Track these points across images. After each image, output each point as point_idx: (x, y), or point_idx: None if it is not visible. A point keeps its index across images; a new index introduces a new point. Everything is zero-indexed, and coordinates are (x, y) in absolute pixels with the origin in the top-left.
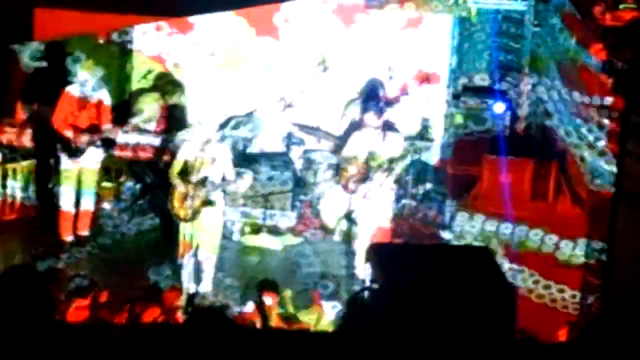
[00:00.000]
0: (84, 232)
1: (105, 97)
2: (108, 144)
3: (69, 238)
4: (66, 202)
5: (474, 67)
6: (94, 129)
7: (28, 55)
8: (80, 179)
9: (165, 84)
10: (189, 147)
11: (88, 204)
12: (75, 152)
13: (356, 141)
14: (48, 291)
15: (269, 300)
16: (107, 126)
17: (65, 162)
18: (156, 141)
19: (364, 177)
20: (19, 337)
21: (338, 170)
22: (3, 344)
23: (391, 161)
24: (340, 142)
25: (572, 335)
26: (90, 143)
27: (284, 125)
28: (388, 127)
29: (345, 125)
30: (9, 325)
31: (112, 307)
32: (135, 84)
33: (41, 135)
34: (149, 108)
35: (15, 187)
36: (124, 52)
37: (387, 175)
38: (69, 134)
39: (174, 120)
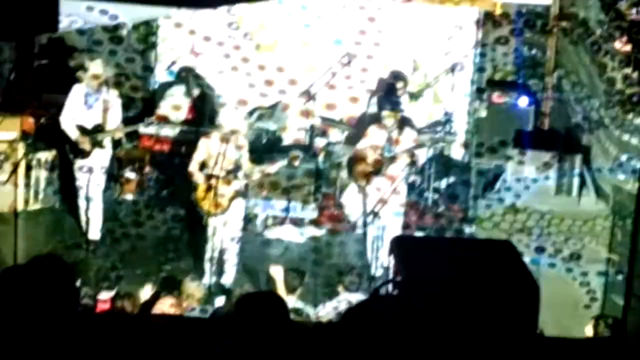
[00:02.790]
0: (97, 232)
1: (113, 97)
2: (132, 136)
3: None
4: (81, 199)
5: (498, 61)
6: (99, 130)
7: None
8: (90, 178)
9: (189, 77)
10: (212, 139)
11: (96, 205)
12: (80, 153)
13: (371, 135)
14: (72, 281)
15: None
16: (113, 127)
17: (77, 160)
18: (181, 133)
19: (377, 171)
20: (42, 326)
21: (350, 163)
22: (25, 332)
23: (406, 154)
24: (355, 134)
25: (597, 331)
26: (95, 144)
27: (308, 117)
28: (404, 122)
29: (364, 119)
30: (31, 315)
31: (134, 299)
32: (161, 76)
33: (55, 131)
34: (175, 100)
35: (39, 178)
36: (149, 44)
37: (403, 169)
38: (74, 134)
39: (200, 112)
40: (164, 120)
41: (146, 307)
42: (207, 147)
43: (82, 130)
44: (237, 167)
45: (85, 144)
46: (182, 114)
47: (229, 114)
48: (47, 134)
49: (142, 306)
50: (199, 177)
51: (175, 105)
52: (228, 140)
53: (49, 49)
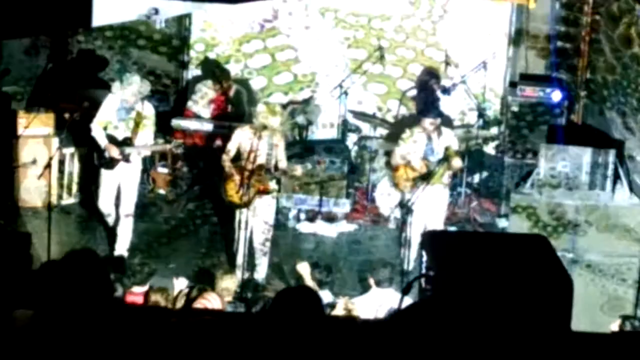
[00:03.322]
0: (125, 244)
1: (148, 111)
2: (166, 131)
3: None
4: (106, 207)
5: (531, 55)
6: (127, 143)
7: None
8: (119, 188)
9: (215, 71)
10: (244, 133)
11: (127, 216)
12: (107, 163)
13: (411, 140)
14: (107, 276)
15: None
16: (144, 141)
17: (104, 170)
18: (213, 127)
19: (422, 176)
20: (78, 319)
21: (389, 169)
22: (61, 325)
23: (446, 158)
24: (394, 133)
25: (622, 330)
26: (123, 157)
27: (340, 112)
28: (443, 123)
29: (400, 118)
30: (67, 308)
31: (167, 294)
32: (193, 70)
33: (87, 128)
34: (204, 94)
35: (72, 172)
36: (182, 39)
37: (444, 172)
38: (103, 143)
39: (230, 106)
40: (194, 115)
41: (187, 302)
42: (239, 140)
43: (112, 140)
44: (270, 161)
45: (113, 155)
46: (212, 108)
47: (261, 109)
48: (79, 130)
49: (184, 301)
50: (231, 170)
51: (204, 99)
52: (261, 133)
53: (80, 62)
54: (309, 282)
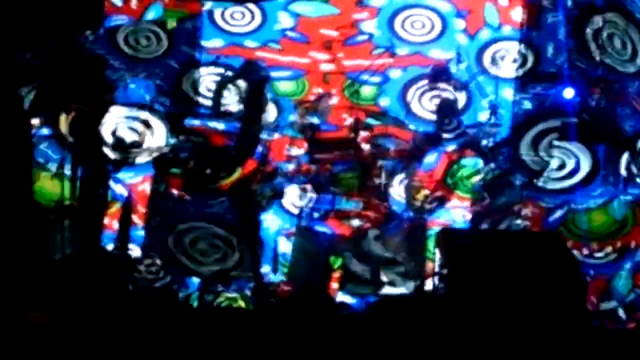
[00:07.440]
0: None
1: (158, 113)
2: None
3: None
4: (117, 208)
5: (543, 52)
6: (136, 146)
7: None
8: (129, 190)
9: (248, 71)
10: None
11: (140, 216)
12: (112, 165)
13: (432, 162)
14: (120, 275)
15: None
16: (154, 144)
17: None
18: (226, 126)
19: (441, 198)
20: (92, 318)
21: (409, 189)
22: (75, 324)
23: (469, 177)
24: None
25: None
26: (127, 159)
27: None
28: (466, 145)
29: (422, 135)
30: (81, 305)
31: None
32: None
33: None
34: (230, 95)
35: (84, 173)
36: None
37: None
38: (110, 145)
39: (254, 106)
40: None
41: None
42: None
43: (121, 142)
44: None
45: (117, 157)
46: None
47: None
48: (89, 132)
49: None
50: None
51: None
52: (272, 135)
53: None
54: (335, 282)
